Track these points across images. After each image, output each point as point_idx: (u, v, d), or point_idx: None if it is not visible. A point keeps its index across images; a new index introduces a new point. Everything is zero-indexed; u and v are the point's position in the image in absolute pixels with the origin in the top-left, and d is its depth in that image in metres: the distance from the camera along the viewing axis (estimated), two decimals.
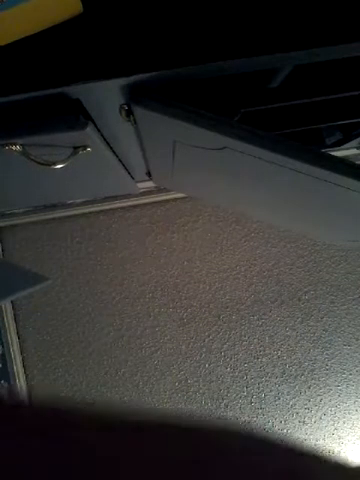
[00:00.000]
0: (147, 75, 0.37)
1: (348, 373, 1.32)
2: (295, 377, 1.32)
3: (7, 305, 1.29)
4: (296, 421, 1.33)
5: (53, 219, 1.30)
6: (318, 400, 1.33)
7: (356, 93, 0.46)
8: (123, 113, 0.44)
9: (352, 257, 1.32)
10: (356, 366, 1.32)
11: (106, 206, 1.29)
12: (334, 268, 1.32)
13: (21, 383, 1.29)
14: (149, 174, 0.82)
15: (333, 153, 0.43)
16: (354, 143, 0.77)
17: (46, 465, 0.12)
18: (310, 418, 1.33)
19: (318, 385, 1.32)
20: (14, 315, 1.31)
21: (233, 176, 0.57)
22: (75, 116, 0.42)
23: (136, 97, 0.39)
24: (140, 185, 1.04)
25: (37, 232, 1.30)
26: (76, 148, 0.47)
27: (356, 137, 0.67)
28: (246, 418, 1.33)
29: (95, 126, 0.47)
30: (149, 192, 1.26)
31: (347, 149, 0.91)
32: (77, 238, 1.31)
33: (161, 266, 1.31)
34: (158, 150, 0.58)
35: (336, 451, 1.34)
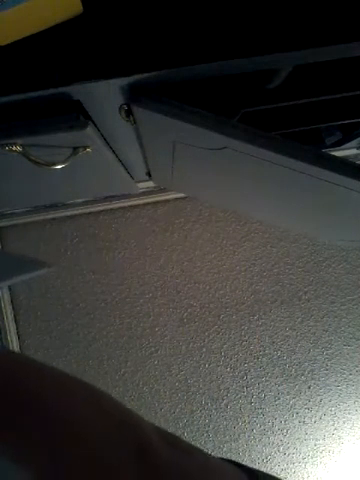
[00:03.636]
0: (147, 75, 0.37)
1: (348, 373, 1.32)
2: (295, 377, 1.32)
3: (7, 305, 1.29)
4: (296, 421, 1.33)
5: (53, 219, 1.30)
6: (318, 400, 1.33)
7: (356, 93, 0.46)
8: (123, 113, 0.44)
9: (352, 257, 1.31)
10: (356, 366, 1.32)
11: (106, 206, 1.28)
12: (334, 268, 1.32)
13: None
14: (149, 174, 0.82)
15: (333, 153, 0.43)
16: (354, 143, 0.77)
17: None
18: (310, 418, 1.33)
19: (318, 385, 1.32)
20: (14, 315, 1.31)
21: (233, 176, 0.57)
22: (75, 116, 0.42)
23: (136, 97, 0.39)
24: (140, 185, 1.04)
25: (37, 232, 1.30)
26: (76, 148, 0.47)
27: (356, 137, 0.67)
28: (246, 418, 1.33)
29: (95, 126, 0.47)
30: (149, 192, 1.26)
31: (347, 149, 0.91)
32: (77, 238, 1.31)
33: (161, 266, 1.31)
34: (158, 150, 0.58)
35: (336, 451, 1.34)
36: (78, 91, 0.38)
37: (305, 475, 1.35)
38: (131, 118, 0.44)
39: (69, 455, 0.14)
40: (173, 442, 0.19)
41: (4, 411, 0.14)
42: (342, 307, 1.32)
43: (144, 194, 1.26)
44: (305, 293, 1.31)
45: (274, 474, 1.31)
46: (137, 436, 0.17)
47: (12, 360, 0.15)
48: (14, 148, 0.43)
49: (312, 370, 1.32)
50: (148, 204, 1.30)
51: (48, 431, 0.14)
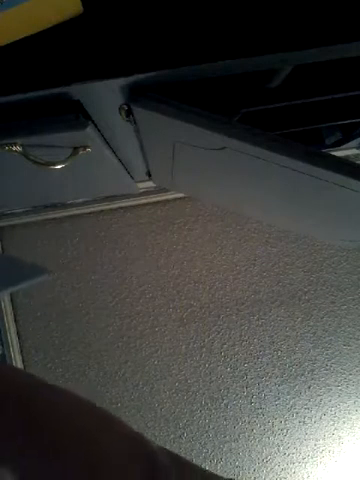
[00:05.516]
0: (147, 75, 0.37)
1: (348, 373, 1.32)
2: (295, 377, 1.32)
3: (7, 305, 1.29)
4: (296, 421, 1.33)
5: (53, 219, 1.30)
6: (318, 400, 1.33)
7: (356, 93, 0.46)
8: (123, 113, 0.44)
9: (352, 257, 1.31)
10: (356, 366, 1.32)
11: (106, 206, 1.28)
12: (334, 268, 1.32)
13: None
14: (149, 174, 0.82)
15: (333, 153, 0.43)
16: (354, 143, 0.77)
17: None
18: (310, 418, 1.33)
19: (318, 385, 1.32)
20: (14, 315, 1.31)
21: (233, 176, 0.57)
22: (75, 116, 0.42)
23: (136, 97, 0.39)
24: (140, 185, 1.04)
25: (37, 232, 1.30)
26: (76, 148, 0.47)
27: (356, 137, 0.67)
28: (246, 418, 1.33)
29: (95, 126, 0.47)
30: (149, 192, 1.26)
31: (347, 149, 0.91)
32: (77, 238, 1.31)
33: (161, 266, 1.30)
34: (158, 150, 0.58)
35: (336, 451, 1.34)
36: (78, 91, 0.38)
37: (305, 475, 1.35)
38: (131, 118, 0.44)
39: (64, 457, 0.14)
40: (176, 459, 0.20)
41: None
42: (342, 307, 1.32)
43: (144, 194, 1.26)
44: (305, 293, 1.31)
45: (274, 474, 1.31)
46: (146, 451, 0.18)
47: (26, 381, 0.17)
48: (14, 148, 0.43)
49: (312, 370, 1.32)
50: (148, 204, 1.30)
51: (34, 436, 0.15)
